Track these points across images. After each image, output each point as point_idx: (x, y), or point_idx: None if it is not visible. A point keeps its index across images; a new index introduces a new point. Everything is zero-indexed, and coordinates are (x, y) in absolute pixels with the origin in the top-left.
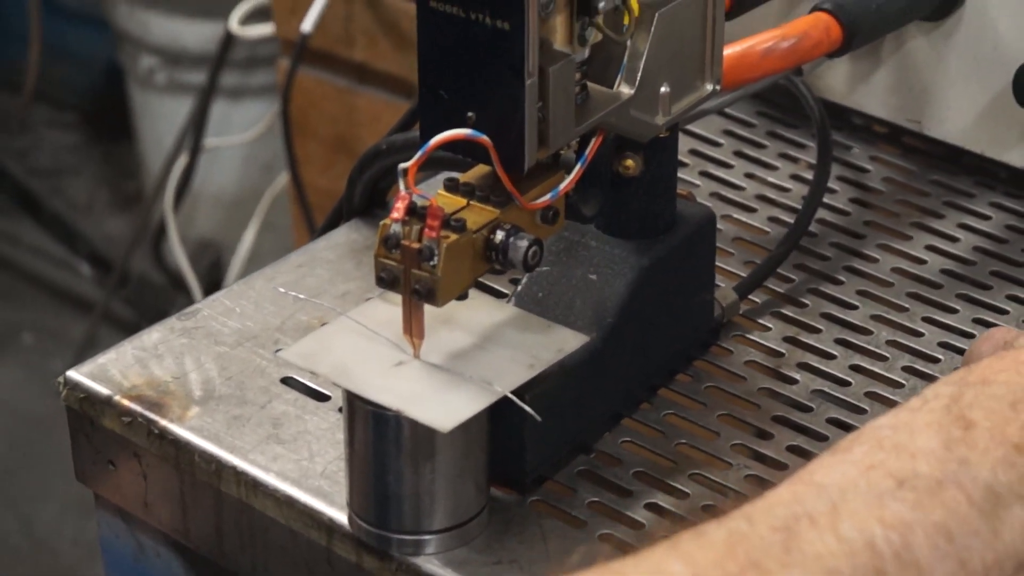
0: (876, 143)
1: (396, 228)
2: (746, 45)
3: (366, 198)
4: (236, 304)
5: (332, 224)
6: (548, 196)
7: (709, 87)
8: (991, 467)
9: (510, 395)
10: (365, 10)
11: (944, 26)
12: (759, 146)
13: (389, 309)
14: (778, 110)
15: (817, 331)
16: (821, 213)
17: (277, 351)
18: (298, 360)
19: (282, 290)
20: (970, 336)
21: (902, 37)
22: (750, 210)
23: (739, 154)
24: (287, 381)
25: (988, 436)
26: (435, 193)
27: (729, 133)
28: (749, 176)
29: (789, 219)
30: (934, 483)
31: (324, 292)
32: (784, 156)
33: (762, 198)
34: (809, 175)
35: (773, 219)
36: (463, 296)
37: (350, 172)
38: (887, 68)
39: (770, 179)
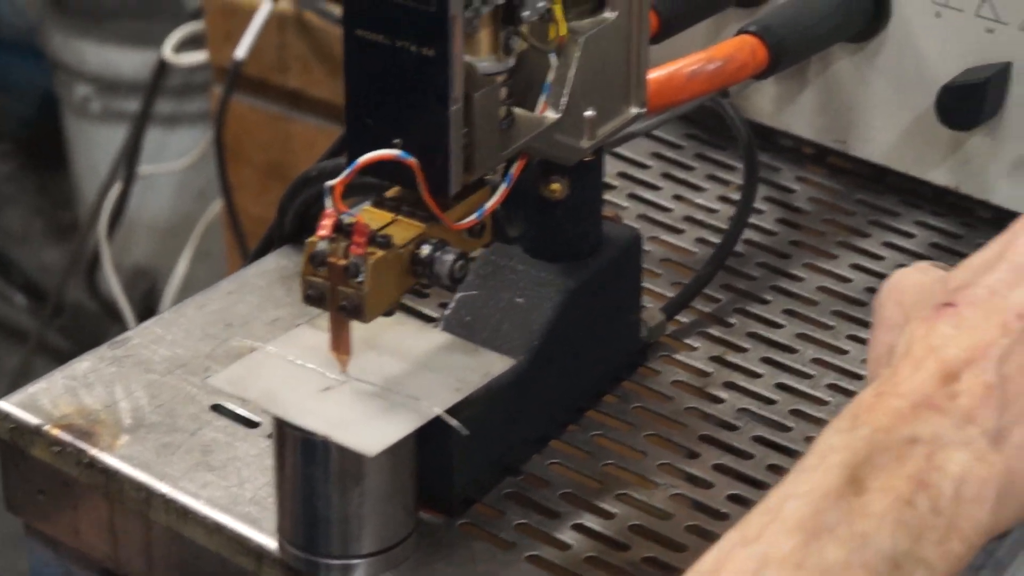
0: (803, 164)
1: (323, 246)
2: (673, 68)
3: (296, 224)
4: (167, 332)
5: (263, 251)
6: (474, 215)
7: (634, 110)
8: (890, 534)
9: (439, 413)
10: (298, 37)
11: (868, 48)
12: (687, 168)
13: (317, 335)
14: (706, 132)
15: (743, 350)
16: (748, 233)
17: (207, 378)
18: (227, 387)
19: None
20: None
21: (827, 59)
22: (678, 231)
23: (667, 176)
24: (217, 408)
25: (882, 499)
26: (362, 209)
27: (657, 155)
28: (677, 198)
29: (717, 240)
30: (840, 567)
31: (254, 319)
32: (712, 178)
33: (690, 219)
34: (737, 196)
35: (700, 240)
36: (390, 312)
37: (280, 199)
38: (813, 89)
39: (698, 201)
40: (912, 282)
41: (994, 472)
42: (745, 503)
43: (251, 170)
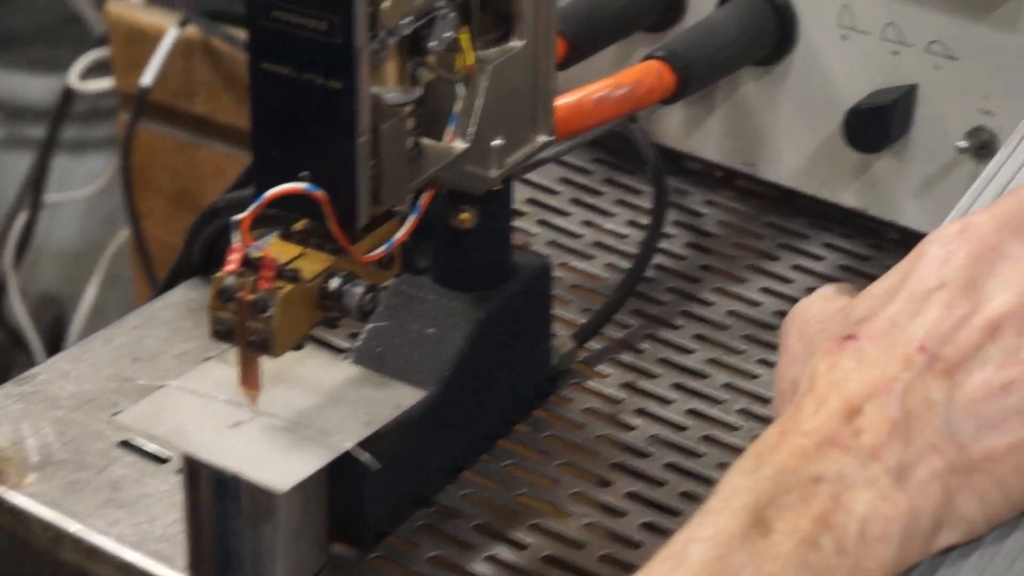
0: (712, 187)
1: (231, 280)
2: (580, 94)
3: (204, 256)
4: (74, 367)
5: (171, 283)
6: (383, 248)
7: (542, 138)
8: (796, 575)
9: (350, 447)
10: (205, 63)
11: (775, 71)
12: (596, 193)
13: (226, 369)
14: (615, 156)
15: (654, 376)
16: (658, 258)
17: (114, 414)
18: (135, 423)
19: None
20: None
21: (735, 82)
22: (588, 257)
23: (576, 202)
24: (125, 444)
25: (786, 537)
26: (270, 242)
27: (566, 181)
28: (587, 223)
29: (627, 265)
30: None
31: (162, 353)
32: (621, 202)
33: (600, 245)
34: (647, 220)
35: (610, 266)
36: (299, 346)
37: (188, 230)
38: (721, 113)
39: (607, 226)
40: (815, 312)
41: (899, 511)
42: (658, 531)
43: (159, 197)
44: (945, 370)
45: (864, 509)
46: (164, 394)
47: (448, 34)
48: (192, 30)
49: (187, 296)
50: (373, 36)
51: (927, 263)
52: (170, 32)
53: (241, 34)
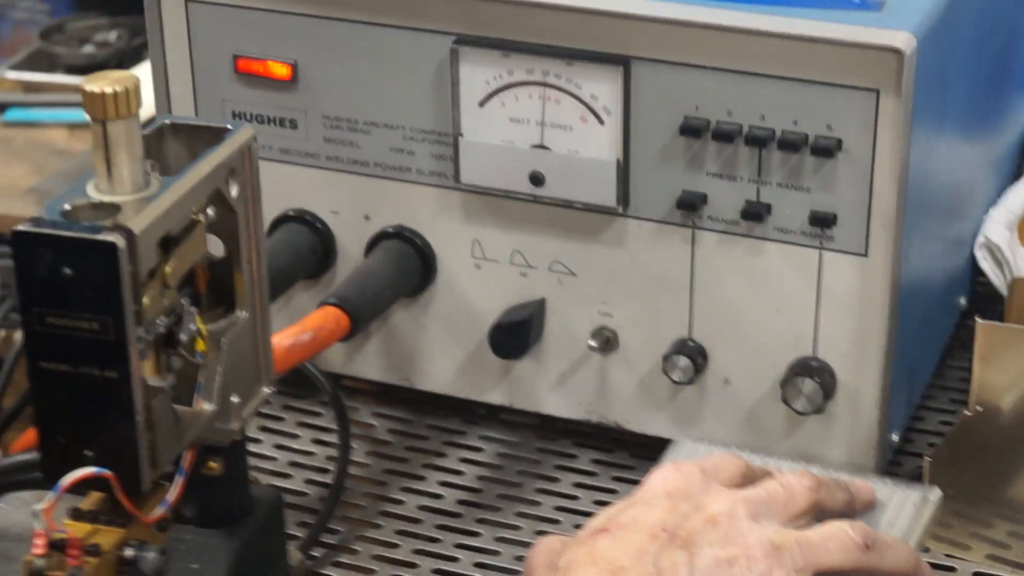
0: (377, 400)
1: (39, 562)
2: (274, 343)
3: None
4: None
5: None
6: (161, 508)
7: (266, 389)
8: None
9: None
10: None
11: (421, 300)
12: (279, 419)
13: None
14: (288, 385)
15: (371, 572)
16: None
17: None
18: None
19: None
20: (495, 553)
21: (386, 313)
22: (288, 476)
23: (264, 429)
24: None
25: None
26: (62, 521)
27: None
28: (279, 447)
29: (322, 478)
30: None
31: None
32: (302, 424)
33: (294, 464)
34: (326, 437)
35: (309, 481)
36: None
37: None
38: (376, 339)
39: (295, 446)
40: (552, 543)
41: None
42: None
43: None
44: (682, 544)
45: None
46: None
47: (192, 327)
48: None
49: None
50: (138, 328)
51: (652, 483)
52: None
53: None
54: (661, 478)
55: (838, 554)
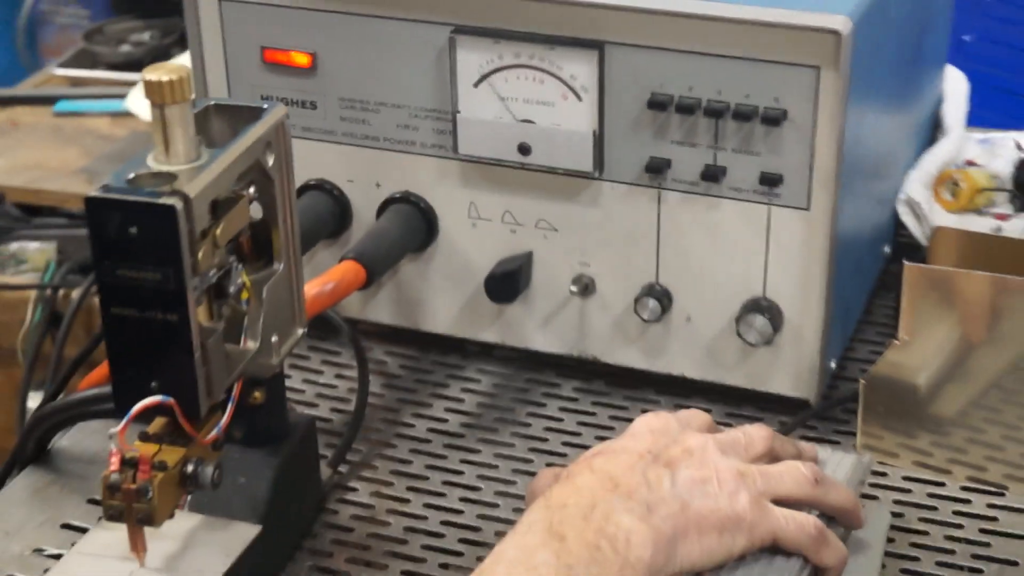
0: (389, 340)
1: (115, 477)
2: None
3: (37, 449)
4: None
5: (7, 472)
6: (215, 431)
7: (300, 330)
8: (586, 565)
9: None
10: None
11: (425, 254)
12: (306, 358)
13: (108, 534)
14: (313, 329)
15: (391, 484)
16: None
17: None
18: None
19: None
20: (494, 467)
21: (396, 266)
22: (315, 405)
23: (294, 366)
24: None
25: (577, 543)
26: (132, 443)
27: None
28: (307, 381)
29: (344, 407)
30: None
31: (26, 524)
32: (326, 362)
33: (320, 395)
34: (346, 372)
35: (334, 409)
36: (172, 516)
37: (22, 431)
38: (387, 289)
39: (321, 380)
40: (553, 470)
41: (650, 530)
42: None
43: None
44: (666, 464)
45: (628, 525)
46: (69, 560)
47: (239, 280)
48: None
49: (29, 480)
50: (193, 278)
51: (637, 426)
52: None
53: None
54: (644, 422)
55: (792, 485)
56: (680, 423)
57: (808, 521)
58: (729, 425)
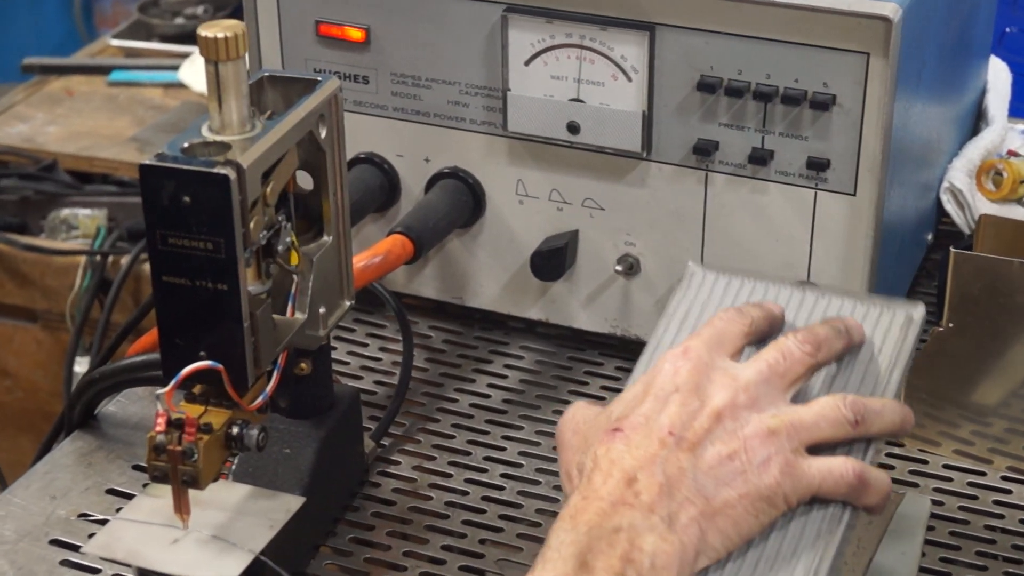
0: (433, 315)
1: (161, 438)
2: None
3: (84, 415)
4: (7, 510)
5: (54, 436)
6: (260, 398)
7: (347, 303)
8: None
9: (260, 550)
10: None
11: (472, 230)
12: (351, 330)
13: (153, 501)
14: (359, 302)
15: (433, 459)
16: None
17: (82, 549)
18: (98, 551)
19: None
20: (535, 444)
21: (442, 241)
22: (359, 378)
23: (339, 338)
24: (66, 563)
25: (603, 572)
26: (179, 405)
27: None
28: (352, 353)
29: (389, 380)
30: None
31: (72, 489)
32: (371, 335)
33: (365, 368)
34: (391, 345)
35: (378, 382)
36: (216, 478)
37: (69, 396)
38: (433, 264)
39: (366, 353)
40: (582, 415)
41: (673, 547)
42: (474, 572)
43: None
44: (689, 447)
45: (651, 547)
46: (114, 525)
47: (288, 239)
48: None
49: (76, 445)
50: (245, 249)
51: (663, 376)
52: None
53: (15, 236)
54: (672, 368)
55: (829, 430)
56: (711, 351)
57: (846, 469)
58: None
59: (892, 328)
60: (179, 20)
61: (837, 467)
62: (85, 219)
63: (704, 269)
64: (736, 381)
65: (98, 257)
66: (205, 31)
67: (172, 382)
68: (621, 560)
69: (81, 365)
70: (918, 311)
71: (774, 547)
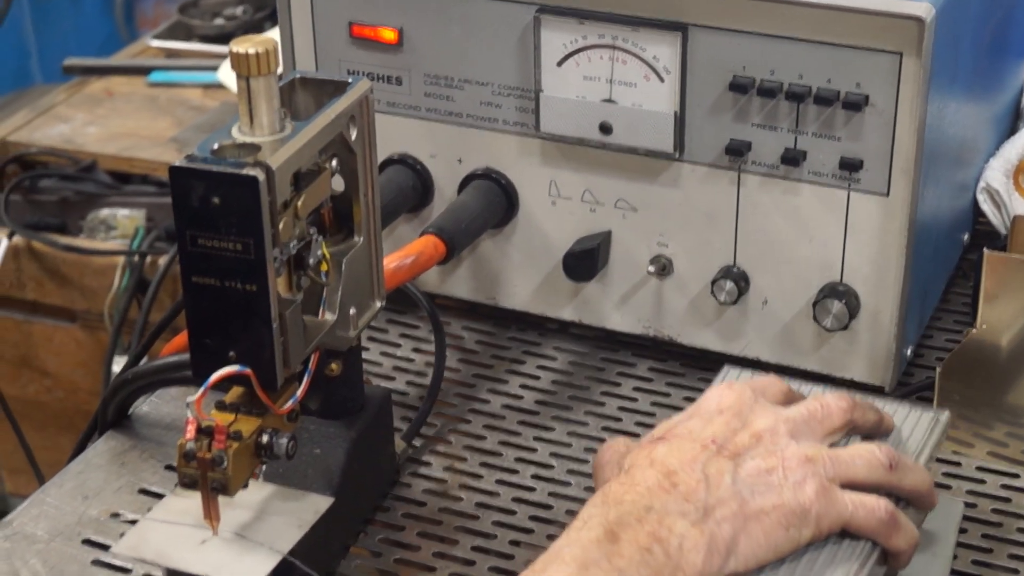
0: (466, 316)
1: (191, 445)
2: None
3: (116, 415)
4: (40, 509)
5: (88, 436)
6: (291, 402)
7: (378, 303)
8: (636, 569)
9: (287, 550)
10: (31, 261)
11: (505, 231)
12: (384, 331)
13: (183, 501)
14: (391, 302)
15: (464, 459)
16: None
17: (112, 549)
18: (127, 551)
19: None
20: (567, 445)
21: (475, 242)
22: (391, 379)
23: (372, 339)
24: (97, 563)
25: (630, 546)
26: (209, 411)
27: None
28: (384, 354)
29: (421, 381)
30: None
31: (104, 489)
32: (404, 335)
33: (397, 368)
34: (423, 346)
35: (410, 383)
36: (246, 485)
37: (103, 396)
38: (466, 264)
39: (398, 354)
40: (622, 440)
41: (704, 535)
42: (503, 573)
43: (3, 363)
44: (730, 456)
45: (682, 530)
46: (143, 526)
47: (319, 252)
48: (18, 239)
49: (109, 445)
50: (274, 248)
51: (707, 401)
52: (1, 242)
53: (57, 237)
54: (717, 395)
55: (864, 470)
56: (755, 393)
57: (879, 506)
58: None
59: (920, 424)
60: (219, 21)
61: (871, 501)
62: (124, 219)
63: (740, 369)
64: (778, 413)
65: (136, 257)
66: (237, 47)
67: (201, 390)
68: (649, 536)
69: (119, 365)
70: (943, 415)
71: (805, 569)
